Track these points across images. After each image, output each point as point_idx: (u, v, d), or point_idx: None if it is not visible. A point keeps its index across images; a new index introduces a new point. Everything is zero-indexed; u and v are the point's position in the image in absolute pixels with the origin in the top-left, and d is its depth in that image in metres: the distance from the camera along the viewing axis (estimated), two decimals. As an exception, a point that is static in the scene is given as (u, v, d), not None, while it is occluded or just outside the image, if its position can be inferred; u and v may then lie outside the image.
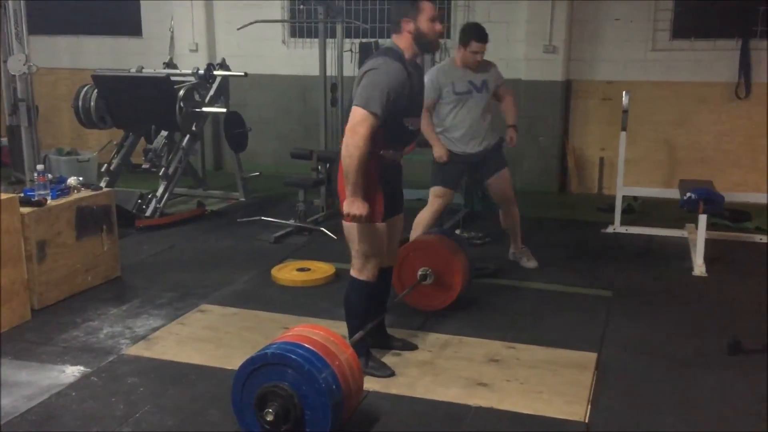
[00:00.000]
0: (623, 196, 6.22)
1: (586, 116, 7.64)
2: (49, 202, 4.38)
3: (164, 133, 6.61)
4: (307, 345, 2.85)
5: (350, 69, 7.20)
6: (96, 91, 6.66)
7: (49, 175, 4.61)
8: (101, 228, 4.72)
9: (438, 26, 3.33)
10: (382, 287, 3.63)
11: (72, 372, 3.54)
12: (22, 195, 4.33)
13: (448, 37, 7.86)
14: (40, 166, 4.59)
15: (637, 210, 6.72)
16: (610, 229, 6.14)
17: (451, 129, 4.92)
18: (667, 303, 4.54)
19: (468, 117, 4.89)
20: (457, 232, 5.76)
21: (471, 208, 6.50)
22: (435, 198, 5.03)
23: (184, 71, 7.03)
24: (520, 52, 7.43)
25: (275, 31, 8.33)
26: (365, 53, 7.01)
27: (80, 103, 6.72)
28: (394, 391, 3.36)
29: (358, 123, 3.16)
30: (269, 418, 2.76)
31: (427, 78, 4.85)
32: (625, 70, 7.39)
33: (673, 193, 5.79)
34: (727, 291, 4.76)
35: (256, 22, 7.32)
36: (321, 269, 4.95)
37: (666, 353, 3.80)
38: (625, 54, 7.37)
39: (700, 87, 7.22)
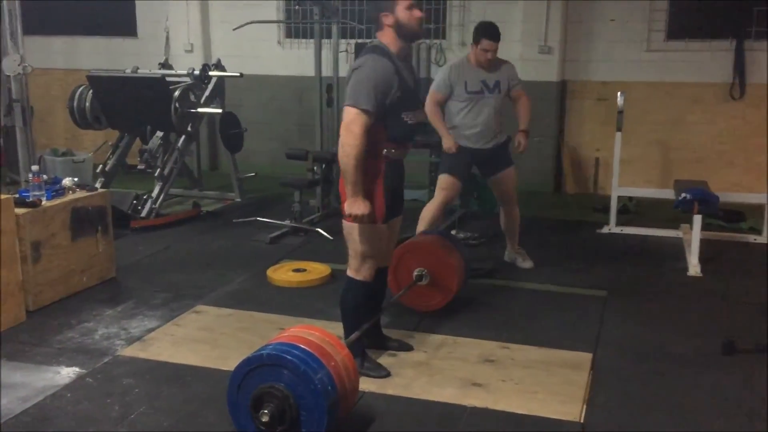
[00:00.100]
0: (618, 197, 6.24)
1: (581, 117, 7.66)
2: (44, 202, 4.37)
3: (159, 133, 6.61)
4: (302, 346, 2.85)
5: (346, 70, 7.18)
6: (91, 91, 6.66)
7: (44, 176, 4.60)
8: (96, 229, 4.72)
9: (417, 12, 3.31)
10: (378, 287, 3.63)
11: (67, 373, 3.53)
12: (17, 196, 4.32)
13: (444, 37, 7.89)
14: (34, 167, 4.58)
15: (633, 210, 6.73)
16: (605, 230, 6.16)
17: (461, 127, 4.94)
18: (662, 303, 4.56)
19: (479, 116, 4.91)
20: (453, 232, 5.77)
21: (467, 209, 6.50)
22: (440, 190, 5.03)
23: (179, 72, 7.02)
24: (515, 53, 7.43)
25: (271, 32, 8.33)
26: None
27: (75, 103, 6.71)
28: (389, 391, 3.36)
29: (351, 122, 3.17)
30: (265, 419, 2.76)
31: (440, 73, 4.98)
32: (620, 71, 7.40)
33: (668, 194, 5.81)
34: (721, 291, 4.77)
35: (251, 22, 7.32)
36: (317, 270, 4.95)
37: (661, 353, 3.81)
38: (620, 54, 7.39)
39: (694, 87, 7.24)
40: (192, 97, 6.64)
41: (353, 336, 3.41)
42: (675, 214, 5.59)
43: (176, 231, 6.11)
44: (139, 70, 6.92)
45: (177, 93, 6.38)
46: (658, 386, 3.45)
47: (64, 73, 8.88)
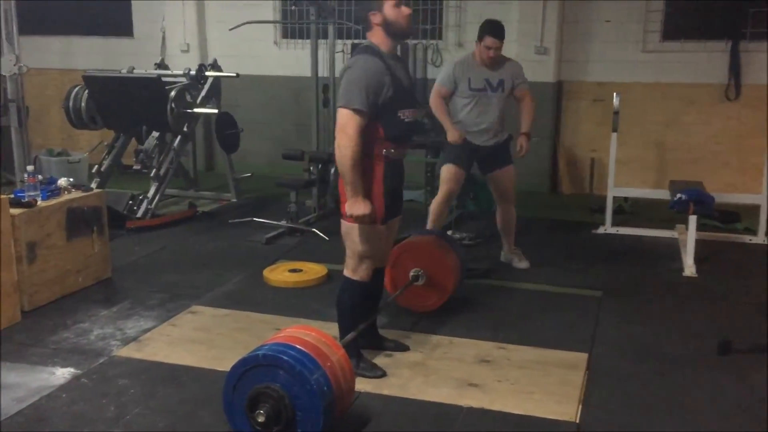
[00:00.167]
0: (614, 197, 6.25)
1: (577, 117, 7.67)
2: (39, 203, 4.36)
3: (155, 133, 6.60)
4: (298, 346, 2.85)
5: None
6: (87, 91, 6.64)
7: (40, 176, 4.59)
8: (92, 229, 4.71)
9: (405, 10, 3.30)
10: (375, 288, 3.63)
11: (62, 374, 3.52)
12: (12, 196, 4.31)
13: (440, 38, 7.90)
14: (30, 167, 4.56)
15: (628, 211, 6.74)
16: (601, 230, 6.17)
17: (464, 123, 4.97)
18: (658, 303, 4.56)
19: (481, 114, 4.93)
20: (449, 232, 5.77)
21: (463, 209, 6.50)
22: (444, 183, 5.05)
23: (175, 72, 7.01)
24: (511, 53, 7.34)
25: (267, 32, 8.33)
26: (357, 54, 7.01)
27: (71, 103, 6.70)
28: (385, 391, 3.36)
29: (345, 123, 3.18)
30: (261, 419, 2.75)
31: (445, 68, 5.02)
32: (615, 72, 7.42)
33: (664, 194, 5.83)
34: (717, 291, 4.78)
35: (248, 23, 7.32)
36: (313, 270, 4.95)
37: (656, 353, 3.82)
38: (615, 55, 7.41)
39: (690, 88, 7.26)
40: (188, 98, 6.62)
41: (349, 336, 3.41)
42: (670, 214, 5.61)
43: (172, 231, 6.10)
44: (135, 71, 6.91)
45: (173, 93, 6.36)
46: (654, 386, 3.45)
47: (60, 73, 8.86)
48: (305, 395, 2.75)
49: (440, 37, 7.90)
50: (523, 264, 5.20)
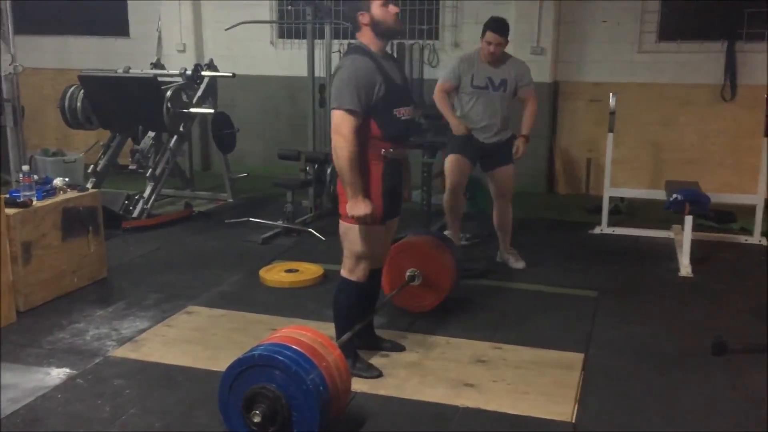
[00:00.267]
0: (610, 197, 6.26)
1: (573, 117, 7.68)
2: (34, 203, 4.35)
3: (151, 133, 6.59)
4: (294, 346, 2.85)
5: (338, 70, 7.20)
6: (82, 91, 6.63)
7: (35, 176, 4.58)
8: (87, 229, 4.70)
9: (392, 8, 3.30)
10: (371, 288, 3.63)
11: (58, 374, 3.52)
12: (7, 196, 4.30)
13: (437, 38, 7.90)
14: (25, 167, 4.56)
15: (624, 211, 6.75)
16: (597, 230, 6.17)
17: (467, 117, 5.00)
18: (654, 303, 4.57)
19: (482, 111, 4.95)
20: (446, 233, 5.76)
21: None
22: (448, 175, 5.08)
23: (171, 72, 7.01)
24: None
25: (263, 32, 8.32)
26: (353, 54, 7.01)
27: (67, 103, 6.68)
28: (382, 392, 3.36)
29: (339, 123, 3.18)
30: (256, 419, 2.75)
31: (450, 63, 5.04)
32: (612, 72, 7.43)
33: (660, 194, 5.84)
34: (712, 291, 4.79)
35: (244, 23, 7.31)
36: (309, 270, 4.94)
37: (652, 353, 3.82)
38: (612, 56, 7.42)
39: (686, 89, 7.28)
40: (184, 97, 6.62)
41: (345, 336, 3.40)
42: (666, 214, 5.61)
43: (168, 231, 6.09)
44: (130, 70, 6.90)
45: (169, 93, 6.36)
46: (650, 386, 3.46)
47: (56, 73, 8.84)
48: (301, 395, 2.75)
49: (437, 38, 7.91)
50: (520, 264, 5.21)
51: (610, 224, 6.19)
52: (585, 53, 7.51)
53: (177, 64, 7.39)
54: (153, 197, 6.33)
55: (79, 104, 6.66)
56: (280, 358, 2.78)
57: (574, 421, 3.14)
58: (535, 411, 3.20)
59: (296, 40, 8.25)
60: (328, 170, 6.30)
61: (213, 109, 6.94)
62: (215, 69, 6.98)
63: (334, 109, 3.21)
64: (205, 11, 8.51)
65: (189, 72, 6.71)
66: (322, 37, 6.94)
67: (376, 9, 3.28)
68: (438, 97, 5.04)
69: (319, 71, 6.88)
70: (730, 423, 3.15)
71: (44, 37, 8.98)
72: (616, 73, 7.40)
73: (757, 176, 5.96)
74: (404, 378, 3.50)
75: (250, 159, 8.19)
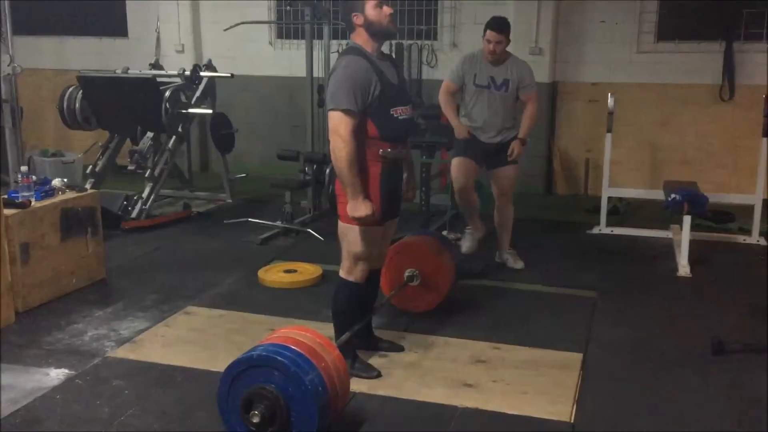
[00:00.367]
0: (609, 197, 6.26)
1: (572, 118, 7.68)
2: (33, 203, 4.35)
3: (150, 134, 6.59)
4: (293, 347, 2.85)
5: (337, 70, 7.19)
6: (81, 92, 6.63)
7: (34, 177, 4.58)
8: (86, 230, 4.70)
9: (386, 9, 3.30)
10: (369, 289, 3.63)
11: (56, 375, 3.51)
12: (6, 197, 4.30)
13: (435, 38, 7.90)
14: (24, 168, 4.56)
15: (623, 211, 6.75)
16: (595, 230, 6.18)
17: (470, 116, 5.02)
18: (652, 303, 4.57)
19: (484, 110, 4.95)
20: (444, 233, 5.77)
21: (458, 210, 6.50)
22: (454, 180, 5.07)
23: (170, 72, 7.00)
24: (506, 54, 7.46)
25: (262, 32, 8.32)
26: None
27: (65, 104, 6.68)
28: (380, 392, 3.36)
29: (336, 125, 3.18)
30: (255, 420, 2.75)
31: (454, 64, 5.06)
32: (610, 72, 7.44)
33: (658, 194, 5.84)
34: (711, 291, 4.80)
35: (242, 23, 7.31)
36: (308, 271, 4.94)
37: (651, 353, 3.83)
38: (610, 56, 7.42)
39: (684, 89, 7.28)
40: (183, 98, 6.62)
41: (344, 337, 3.40)
42: (665, 214, 5.62)
43: (167, 232, 6.09)
44: (129, 71, 6.90)
45: (168, 93, 6.36)
46: (648, 386, 3.46)
47: (54, 74, 8.83)
48: (300, 396, 2.75)
49: (435, 38, 7.91)
50: (518, 264, 5.21)
51: (609, 224, 6.19)
52: (583, 53, 7.51)
53: (175, 65, 7.38)
54: (152, 198, 6.33)
55: (77, 105, 6.66)
56: (279, 358, 2.78)
57: (572, 421, 3.14)
58: (534, 411, 3.20)
59: (295, 41, 8.25)
60: (327, 171, 6.30)
61: (211, 109, 6.94)
62: (214, 69, 6.98)
63: (330, 110, 3.22)
64: (204, 12, 8.50)
65: (187, 72, 6.70)
66: (320, 37, 6.94)
67: (370, 10, 3.28)
68: (443, 100, 5.05)
69: (318, 71, 6.88)
70: (729, 423, 3.15)
71: (43, 37, 8.97)
72: (615, 74, 7.41)
73: (755, 176, 5.97)
74: (403, 378, 3.51)
75: (248, 159, 8.18)
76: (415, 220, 5.83)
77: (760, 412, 3.21)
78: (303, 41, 7.22)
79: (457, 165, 5.05)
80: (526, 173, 7.53)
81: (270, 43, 8.41)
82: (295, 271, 4.96)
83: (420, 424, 3.14)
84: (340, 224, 3.41)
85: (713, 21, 7.13)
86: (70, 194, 4.66)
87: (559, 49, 7.52)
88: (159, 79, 6.59)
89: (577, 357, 3.74)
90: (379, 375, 3.50)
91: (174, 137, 6.55)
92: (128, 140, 6.87)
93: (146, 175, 6.38)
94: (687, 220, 5.13)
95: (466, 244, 5.35)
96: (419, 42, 7.84)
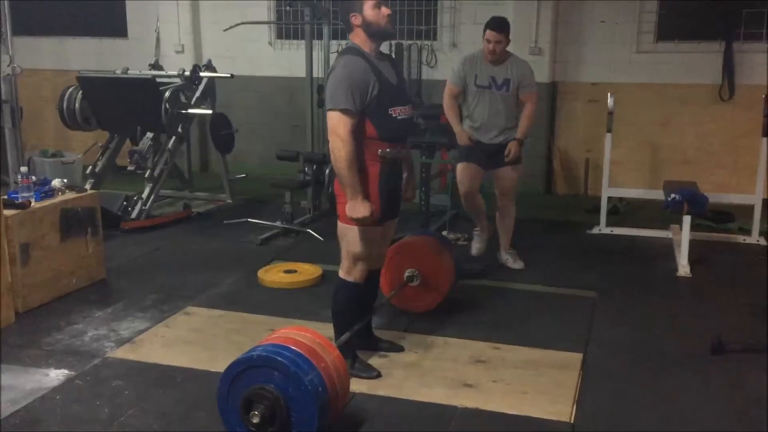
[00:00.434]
0: (609, 197, 6.26)
1: (571, 118, 7.68)
2: (33, 204, 4.35)
3: (150, 134, 6.59)
4: (293, 347, 2.85)
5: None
6: (81, 92, 6.63)
7: (33, 177, 4.58)
8: (86, 230, 4.70)
9: (384, 10, 3.30)
10: (369, 289, 3.62)
11: (56, 375, 3.51)
12: (5, 197, 4.30)
13: (435, 38, 7.90)
14: (23, 168, 4.56)
15: (622, 211, 6.76)
16: (595, 230, 6.18)
17: (472, 117, 5.03)
18: (652, 303, 4.57)
19: (485, 110, 4.96)
20: (444, 233, 5.77)
21: (458, 210, 6.51)
22: (460, 185, 5.12)
23: (169, 72, 7.00)
24: (506, 54, 7.46)
25: (262, 33, 8.32)
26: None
27: (65, 104, 6.68)
28: (380, 392, 3.36)
29: (335, 125, 3.18)
30: (255, 420, 2.75)
31: (455, 66, 5.05)
32: (610, 72, 7.44)
33: (658, 194, 5.84)
34: (711, 291, 4.80)
35: (242, 23, 7.31)
36: (308, 271, 4.94)
37: (651, 353, 3.83)
38: (610, 56, 7.42)
39: (684, 89, 7.28)
40: (182, 98, 6.62)
41: (344, 337, 3.40)
42: (664, 214, 5.62)
43: (167, 232, 6.09)
44: (129, 71, 6.90)
45: (167, 94, 6.36)
46: (648, 386, 3.46)
47: (54, 74, 8.83)
48: (300, 396, 2.75)
49: (435, 38, 7.91)
50: (518, 264, 5.21)
51: (609, 224, 6.19)
52: (583, 53, 7.52)
53: (175, 65, 7.39)
54: (151, 198, 6.33)
55: (77, 105, 6.66)
56: (278, 358, 2.78)
57: (572, 421, 3.14)
58: (534, 411, 3.20)
59: (294, 41, 8.25)
60: (327, 171, 6.30)
61: (211, 109, 6.94)
62: (213, 70, 6.98)
63: (329, 110, 3.22)
64: (203, 12, 8.50)
65: (187, 73, 6.70)
66: (320, 37, 6.94)
67: (369, 11, 3.28)
68: (447, 104, 5.06)
69: (318, 72, 6.88)
70: (729, 423, 3.15)
71: (42, 38, 8.97)
72: (614, 74, 7.41)
73: (755, 176, 5.97)
74: (403, 378, 3.50)
75: (248, 160, 8.19)
76: (414, 220, 5.83)
77: (760, 412, 3.21)
78: (303, 41, 7.22)
79: (461, 170, 5.07)
80: (526, 173, 7.48)
81: (270, 44, 8.41)
82: (295, 271, 4.96)
83: (420, 424, 3.13)
84: (340, 224, 3.41)
85: (713, 21, 7.13)
86: (69, 195, 4.66)
87: (558, 49, 7.53)
88: (159, 80, 6.59)
89: (577, 357, 3.74)
90: (379, 375, 3.50)
91: (174, 137, 6.55)
92: (128, 141, 6.87)
93: (146, 175, 6.38)
94: (687, 220, 5.13)
95: (475, 246, 5.38)
96: (419, 42, 7.84)
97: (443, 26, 7.84)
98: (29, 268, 4.27)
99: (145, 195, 6.31)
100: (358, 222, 3.26)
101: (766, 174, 5.88)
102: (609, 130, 6.14)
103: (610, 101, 6.12)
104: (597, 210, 6.31)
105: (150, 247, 5.65)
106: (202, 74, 6.82)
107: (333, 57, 7.10)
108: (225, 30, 7.29)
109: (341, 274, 3.49)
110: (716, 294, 4.74)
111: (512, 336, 4.00)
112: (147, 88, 6.38)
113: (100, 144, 6.96)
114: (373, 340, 3.79)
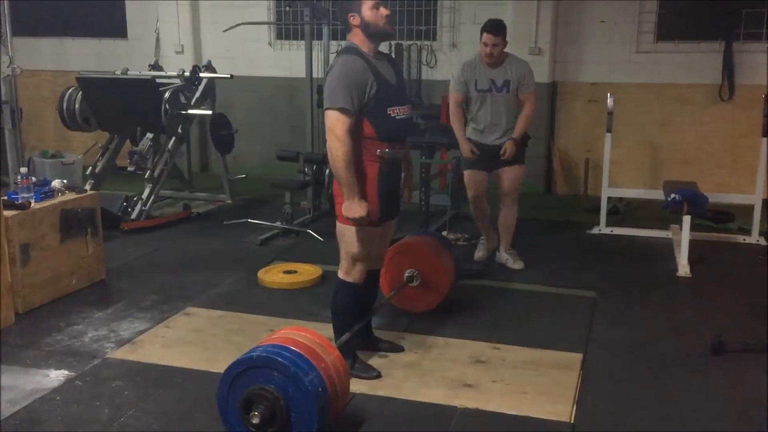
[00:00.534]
0: (608, 197, 6.26)
1: (571, 118, 7.68)
2: (33, 204, 4.35)
3: (150, 135, 6.59)
4: (293, 347, 2.85)
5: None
6: (80, 93, 6.63)
7: (33, 178, 4.58)
8: (86, 231, 4.70)
9: (383, 11, 3.30)
10: (369, 289, 3.62)
11: (56, 376, 3.51)
12: (5, 198, 4.30)
13: (434, 39, 7.90)
14: (23, 169, 4.56)
15: (622, 211, 6.76)
16: (595, 230, 6.18)
17: (475, 120, 5.06)
18: (652, 303, 4.57)
19: (488, 113, 4.98)
20: (444, 233, 5.77)
21: (458, 210, 6.51)
22: (467, 190, 5.18)
23: (169, 73, 7.00)
24: (505, 54, 7.46)
25: (262, 33, 8.32)
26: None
27: (65, 105, 6.68)
28: (380, 392, 3.36)
29: (333, 124, 3.18)
30: (255, 420, 2.75)
31: (455, 72, 5.06)
32: (609, 72, 7.44)
33: (658, 194, 5.84)
34: (710, 291, 4.80)
35: (242, 24, 7.32)
36: (307, 271, 4.94)
37: (650, 353, 3.82)
38: (609, 56, 7.43)
39: (683, 89, 7.29)
40: (182, 99, 6.62)
41: (344, 338, 3.40)
42: (664, 214, 5.62)
43: (166, 233, 6.09)
44: (129, 72, 6.90)
45: (167, 94, 6.36)
46: (648, 386, 3.46)
47: (54, 75, 8.84)
48: (300, 396, 2.75)
49: (434, 38, 7.91)
50: (518, 265, 5.21)
51: (609, 224, 6.19)
52: (583, 53, 7.52)
53: (175, 66, 7.39)
54: (151, 199, 6.33)
55: (77, 106, 6.66)
56: (278, 359, 2.78)
57: (572, 421, 3.14)
58: (534, 411, 3.20)
59: (294, 41, 8.25)
60: (327, 171, 6.30)
61: (211, 110, 6.94)
62: (213, 70, 6.98)
63: (327, 109, 3.22)
64: (203, 12, 8.51)
65: (187, 73, 6.71)
66: (320, 38, 6.95)
67: (367, 11, 3.28)
68: (453, 113, 5.08)
69: (317, 72, 6.88)
70: (729, 423, 3.15)
71: (42, 38, 8.98)
72: (614, 74, 7.41)
73: (754, 176, 5.97)
74: (403, 379, 3.50)
75: (248, 160, 8.19)
76: (414, 220, 5.83)
77: (760, 412, 3.21)
78: (302, 42, 7.22)
79: (468, 177, 5.15)
80: (525, 173, 7.54)
81: (269, 44, 8.42)
82: (295, 271, 4.96)
83: (420, 424, 3.13)
84: (338, 225, 3.40)
85: (712, 21, 7.14)
86: (69, 195, 4.66)
87: (558, 49, 7.53)
88: (159, 80, 6.59)
89: (576, 357, 3.74)
90: (379, 375, 3.50)
91: (174, 138, 6.55)
92: (128, 141, 6.87)
93: (146, 176, 6.38)
94: (687, 220, 5.13)
95: (478, 254, 5.42)
96: (419, 42, 7.85)
97: (443, 26, 7.84)
98: (29, 269, 4.27)
99: (145, 195, 6.31)
100: (355, 222, 3.26)
101: (766, 174, 5.88)
102: (609, 130, 6.14)
103: (609, 101, 6.12)
104: (597, 210, 6.31)
105: (150, 248, 5.65)
106: (201, 75, 6.82)
107: (333, 57, 7.13)
108: (225, 30, 7.29)
109: (340, 274, 3.49)
110: (716, 294, 4.74)
111: (512, 336, 4.00)
112: (147, 89, 6.38)
113: (99, 145, 6.97)
114: (373, 341, 3.79)
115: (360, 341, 3.63)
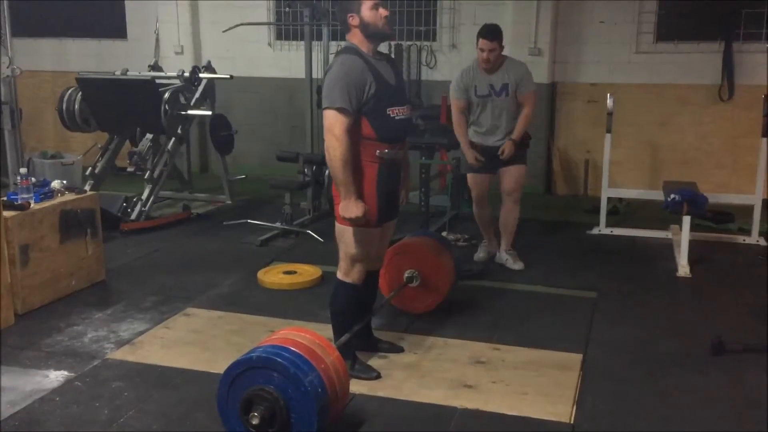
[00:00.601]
0: (608, 198, 6.26)
1: (571, 118, 7.68)
2: (32, 205, 4.35)
3: (149, 135, 6.59)
4: (292, 348, 2.85)
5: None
6: (80, 93, 6.63)
7: (33, 179, 4.57)
8: (85, 231, 4.69)
9: (382, 11, 3.30)
10: (368, 290, 3.62)
11: (56, 377, 3.51)
12: (5, 198, 4.30)
13: (434, 39, 7.90)
14: (23, 170, 4.55)
15: (622, 211, 6.76)
16: (595, 231, 6.18)
17: (477, 123, 5.09)
18: (652, 304, 4.57)
19: (489, 117, 5.01)
20: (444, 234, 5.77)
21: (458, 211, 6.51)
22: (471, 189, 5.25)
23: (169, 74, 7.00)
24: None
25: (261, 34, 8.32)
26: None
27: (64, 105, 6.68)
28: (380, 393, 3.36)
29: (331, 123, 3.18)
30: (255, 421, 2.75)
31: (454, 80, 5.09)
32: (609, 73, 7.44)
33: (658, 195, 5.84)
34: (710, 291, 4.79)
35: (241, 24, 7.32)
36: (307, 272, 4.94)
37: (651, 353, 3.82)
38: (609, 56, 7.43)
39: (683, 89, 7.29)
40: (182, 99, 6.62)
41: (343, 338, 3.40)
42: (664, 215, 5.62)
43: (166, 233, 6.09)
44: (128, 72, 6.90)
45: (167, 95, 6.36)
46: (648, 386, 3.46)
47: (54, 76, 8.84)
48: (300, 397, 2.74)
49: (434, 39, 7.91)
50: (518, 265, 5.21)
51: (609, 225, 6.19)
52: (582, 54, 7.52)
53: (174, 66, 7.39)
54: (151, 199, 6.33)
55: (76, 107, 6.65)
56: (278, 360, 2.78)
57: (572, 421, 3.14)
58: (534, 412, 3.20)
59: (294, 42, 8.25)
60: (326, 172, 6.30)
61: (211, 110, 6.94)
62: (213, 71, 6.98)
63: (325, 108, 3.21)
64: (203, 13, 8.50)
65: (187, 74, 6.70)
66: (319, 38, 6.95)
67: (366, 11, 3.28)
68: (456, 120, 5.09)
69: (317, 73, 6.88)
70: (729, 423, 3.15)
71: (42, 39, 8.98)
72: (614, 74, 7.41)
73: (754, 176, 5.97)
74: (402, 379, 3.50)
75: (248, 161, 8.19)
76: (414, 220, 5.83)
77: (760, 412, 3.21)
78: (302, 42, 7.22)
79: (471, 179, 5.21)
80: (525, 174, 7.55)
81: (269, 45, 8.42)
82: (295, 272, 4.96)
83: (420, 425, 3.13)
84: (337, 225, 3.40)
85: (712, 21, 7.14)
86: (69, 196, 4.66)
87: (558, 49, 7.53)
88: (158, 81, 6.59)
89: (576, 357, 3.74)
90: (378, 376, 3.49)
91: (173, 139, 6.54)
92: (128, 142, 6.87)
93: (145, 176, 6.38)
94: (686, 220, 5.13)
95: (478, 255, 5.42)
96: (418, 43, 7.85)
97: (443, 27, 7.84)
98: (29, 270, 4.27)
99: (144, 196, 6.30)
100: (352, 222, 3.25)
101: (766, 174, 5.88)
102: (608, 131, 6.14)
103: (609, 102, 6.12)
104: (597, 210, 6.30)
105: (149, 249, 5.65)
106: (201, 75, 6.82)
107: (332, 58, 7.14)
108: (224, 31, 7.29)
109: (339, 275, 3.48)
110: (716, 294, 4.74)
111: (512, 337, 3.99)
112: (146, 90, 6.38)
113: (99, 145, 6.97)
114: (373, 341, 3.79)
115: (360, 342, 3.63)
